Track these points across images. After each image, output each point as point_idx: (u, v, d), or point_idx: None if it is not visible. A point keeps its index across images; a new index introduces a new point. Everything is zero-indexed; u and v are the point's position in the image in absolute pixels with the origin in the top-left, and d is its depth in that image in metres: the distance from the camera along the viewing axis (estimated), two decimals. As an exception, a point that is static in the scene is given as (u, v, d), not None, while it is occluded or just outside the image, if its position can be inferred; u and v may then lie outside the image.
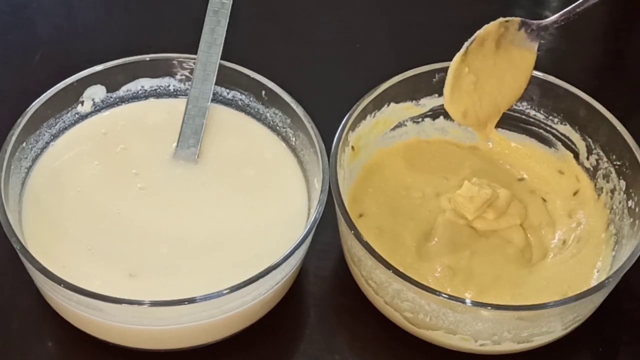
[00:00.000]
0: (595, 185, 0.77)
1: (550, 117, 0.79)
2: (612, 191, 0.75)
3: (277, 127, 0.78)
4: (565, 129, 0.78)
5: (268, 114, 0.78)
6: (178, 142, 0.77)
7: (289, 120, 0.77)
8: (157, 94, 0.80)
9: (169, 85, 0.80)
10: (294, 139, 0.77)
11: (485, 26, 0.73)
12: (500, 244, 0.74)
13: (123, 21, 0.96)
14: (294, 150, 0.77)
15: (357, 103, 0.75)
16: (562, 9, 0.74)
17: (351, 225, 0.68)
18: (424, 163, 0.79)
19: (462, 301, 0.66)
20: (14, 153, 0.72)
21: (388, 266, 0.66)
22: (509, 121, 0.80)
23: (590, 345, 0.73)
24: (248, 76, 0.78)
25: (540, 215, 0.77)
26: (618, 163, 0.75)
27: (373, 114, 0.77)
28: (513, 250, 0.74)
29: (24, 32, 0.94)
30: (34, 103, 0.74)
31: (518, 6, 0.99)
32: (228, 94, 0.79)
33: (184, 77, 0.79)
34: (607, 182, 0.76)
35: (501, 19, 0.73)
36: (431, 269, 0.72)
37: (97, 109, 0.79)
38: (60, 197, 0.73)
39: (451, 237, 0.74)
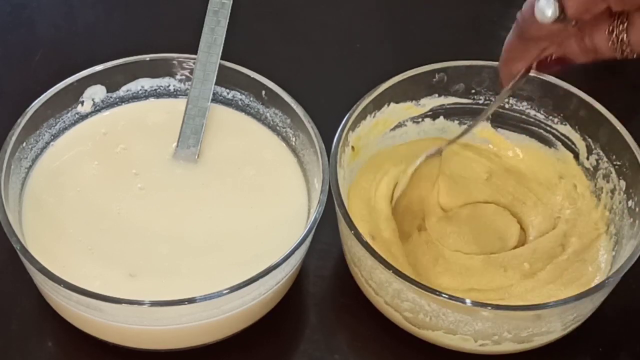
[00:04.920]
0: (595, 185, 0.77)
1: (550, 117, 0.79)
2: (612, 191, 0.75)
3: (277, 127, 0.78)
4: (565, 129, 0.78)
5: (268, 114, 0.78)
6: (178, 142, 0.77)
7: (289, 120, 0.77)
8: (157, 94, 0.80)
9: (169, 85, 0.80)
10: (294, 139, 0.77)
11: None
12: (501, 244, 0.74)
13: (123, 21, 0.96)
14: (294, 150, 0.77)
15: (357, 103, 0.75)
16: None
17: (351, 225, 0.68)
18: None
19: (462, 301, 0.66)
20: (14, 153, 0.72)
21: (388, 266, 0.66)
22: (509, 121, 0.80)
23: (590, 345, 0.73)
24: (248, 76, 0.78)
25: (543, 213, 0.77)
26: (618, 163, 0.75)
27: (373, 114, 0.77)
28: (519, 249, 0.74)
29: (24, 32, 0.94)
30: (34, 103, 0.74)
31: (517, 6, 0.99)
32: (228, 94, 0.79)
33: (184, 77, 0.79)
34: (607, 182, 0.76)
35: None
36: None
37: (97, 109, 0.79)
38: (60, 197, 0.73)
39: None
